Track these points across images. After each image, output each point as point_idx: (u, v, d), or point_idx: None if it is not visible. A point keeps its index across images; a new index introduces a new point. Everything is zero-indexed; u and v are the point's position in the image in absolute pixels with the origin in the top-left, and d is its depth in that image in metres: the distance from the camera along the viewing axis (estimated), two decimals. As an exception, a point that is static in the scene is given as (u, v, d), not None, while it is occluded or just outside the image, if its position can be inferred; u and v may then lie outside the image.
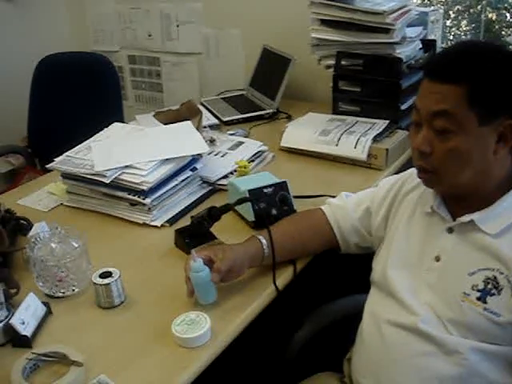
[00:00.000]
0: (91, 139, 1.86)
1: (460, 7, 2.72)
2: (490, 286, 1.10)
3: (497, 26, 2.62)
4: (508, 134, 1.09)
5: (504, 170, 1.15)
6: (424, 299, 1.18)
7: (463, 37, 2.77)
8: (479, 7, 2.59)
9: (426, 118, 1.11)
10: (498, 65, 1.09)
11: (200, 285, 1.27)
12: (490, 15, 2.61)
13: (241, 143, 2.07)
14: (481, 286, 1.11)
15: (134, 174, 1.64)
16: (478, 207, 1.15)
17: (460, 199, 1.18)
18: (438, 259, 1.19)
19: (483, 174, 1.13)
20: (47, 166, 1.79)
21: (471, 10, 2.68)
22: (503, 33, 2.60)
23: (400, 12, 2.05)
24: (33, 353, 1.13)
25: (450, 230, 1.19)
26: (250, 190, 1.54)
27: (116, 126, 1.96)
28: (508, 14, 2.61)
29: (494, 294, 1.10)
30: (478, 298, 1.11)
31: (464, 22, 2.74)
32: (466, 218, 1.16)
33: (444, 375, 1.13)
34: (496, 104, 1.08)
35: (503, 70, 1.09)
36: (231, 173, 1.86)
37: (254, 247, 1.36)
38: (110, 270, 1.32)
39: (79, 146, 1.83)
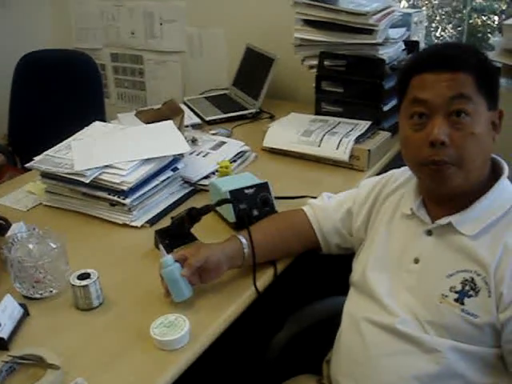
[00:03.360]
0: (71, 138, 1.84)
1: (447, 10, 2.73)
2: (467, 288, 1.11)
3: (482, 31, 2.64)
4: (497, 121, 1.15)
5: (487, 169, 1.17)
6: (402, 301, 1.19)
7: (448, 39, 2.78)
8: (465, 11, 2.60)
9: (439, 107, 1.10)
10: (486, 59, 1.16)
11: (171, 280, 1.25)
12: (476, 20, 2.63)
13: (223, 143, 2.05)
14: (458, 288, 1.12)
15: (114, 173, 1.63)
16: (457, 209, 1.16)
17: (442, 201, 1.19)
18: (416, 261, 1.20)
19: (485, 166, 1.16)
20: (26, 165, 1.77)
21: (458, 15, 2.70)
22: (488, 36, 2.61)
23: (383, 13, 2.06)
24: (9, 355, 1.12)
25: (429, 233, 1.20)
26: (231, 191, 1.53)
27: (96, 125, 1.94)
28: (496, 17, 2.62)
29: (471, 296, 1.10)
30: (456, 300, 1.11)
31: (450, 25, 2.75)
32: (444, 221, 1.17)
33: (422, 373, 1.13)
34: (495, 91, 1.15)
35: (489, 63, 1.17)
36: (213, 173, 1.85)
37: (232, 246, 1.36)
38: (89, 271, 1.30)
39: (59, 144, 1.81)
